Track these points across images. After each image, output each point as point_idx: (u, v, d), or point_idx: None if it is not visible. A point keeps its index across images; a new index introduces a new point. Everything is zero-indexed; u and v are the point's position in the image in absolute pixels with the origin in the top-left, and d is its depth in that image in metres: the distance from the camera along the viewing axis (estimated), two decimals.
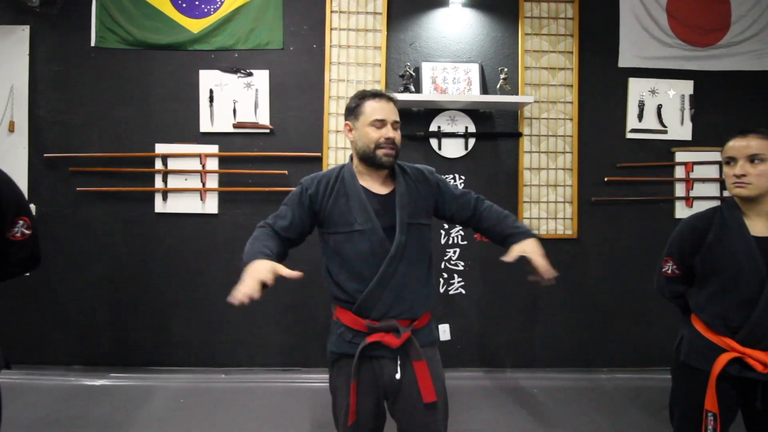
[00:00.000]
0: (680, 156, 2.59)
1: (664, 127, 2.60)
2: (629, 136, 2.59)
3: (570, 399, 2.36)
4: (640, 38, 2.56)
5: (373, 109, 1.25)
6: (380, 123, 1.24)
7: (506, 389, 2.42)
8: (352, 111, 1.29)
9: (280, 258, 1.18)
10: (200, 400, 2.32)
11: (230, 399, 2.34)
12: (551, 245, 2.55)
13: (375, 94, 1.27)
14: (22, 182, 2.51)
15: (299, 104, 2.51)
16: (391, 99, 1.28)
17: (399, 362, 1.21)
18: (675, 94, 2.61)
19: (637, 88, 2.59)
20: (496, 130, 2.54)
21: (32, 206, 2.50)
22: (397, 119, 1.28)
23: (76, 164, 2.50)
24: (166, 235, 2.52)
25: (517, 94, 2.48)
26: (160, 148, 2.49)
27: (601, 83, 2.58)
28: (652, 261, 2.59)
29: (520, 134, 2.52)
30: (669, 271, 1.45)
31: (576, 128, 2.56)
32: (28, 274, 1.22)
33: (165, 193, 2.50)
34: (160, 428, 2.10)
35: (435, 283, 1.37)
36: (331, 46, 2.50)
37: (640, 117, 2.60)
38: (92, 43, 2.50)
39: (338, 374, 1.27)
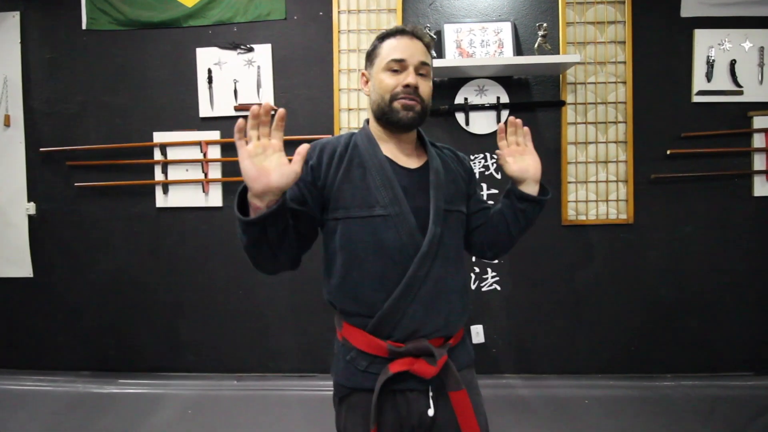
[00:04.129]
0: (759, 121, 2.15)
1: (739, 87, 2.16)
2: (696, 99, 2.17)
3: (628, 410, 2.02)
4: None
5: (391, 47, 0.93)
6: (398, 64, 0.91)
7: (550, 399, 2.10)
8: (369, 56, 0.99)
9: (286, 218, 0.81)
10: (211, 409, 2.13)
11: (242, 407, 2.15)
12: (602, 232, 2.20)
13: (397, 31, 0.95)
14: (20, 179, 2.37)
15: (306, 81, 2.24)
16: (417, 36, 0.95)
17: (431, 394, 0.90)
18: (752, 47, 2.16)
19: (704, 41, 2.16)
20: (534, 99, 2.18)
21: (32, 204, 2.37)
22: (426, 61, 0.95)
23: (74, 158, 2.33)
24: (168, 232, 2.33)
25: (558, 54, 2.11)
26: (159, 137, 2.28)
27: (661, 38, 2.16)
28: (725, 248, 2.22)
29: (563, 103, 2.15)
30: None
31: (630, 93, 2.16)
32: None
33: (165, 186, 2.30)
34: None
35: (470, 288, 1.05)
36: (339, 12, 2.20)
37: (709, 76, 2.17)
38: (83, 26, 2.30)
39: (349, 414, 0.94)
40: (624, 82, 2.16)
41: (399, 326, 0.89)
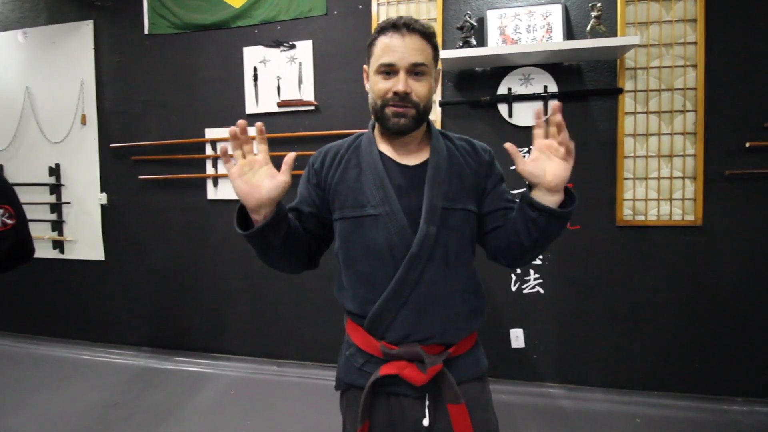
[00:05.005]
0: None
1: None
2: None
3: None
4: None
5: (382, 48, 0.86)
6: (389, 68, 0.85)
7: (594, 414, 1.94)
8: (367, 50, 0.92)
9: (286, 221, 0.85)
10: (252, 391, 2.24)
11: (281, 392, 2.23)
12: (664, 234, 1.99)
13: (390, 26, 0.86)
14: (94, 172, 2.64)
15: (345, 76, 2.24)
16: (414, 30, 0.85)
17: (427, 403, 0.87)
18: None
19: None
20: (587, 87, 2.01)
21: (104, 195, 2.63)
22: (420, 61, 0.84)
23: (138, 153, 2.55)
24: (217, 222, 2.47)
25: (615, 36, 1.91)
26: (210, 133, 2.42)
27: (740, 12, 1.88)
28: None
29: (620, 90, 1.96)
30: None
31: (702, 77, 1.91)
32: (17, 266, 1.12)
33: (215, 179, 2.44)
34: (207, 419, 2.05)
35: (483, 292, 0.97)
36: (378, 4, 2.17)
37: None
38: (145, 31, 2.49)
39: (347, 409, 0.95)
40: (694, 66, 1.91)
41: (391, 328, 0.87)
